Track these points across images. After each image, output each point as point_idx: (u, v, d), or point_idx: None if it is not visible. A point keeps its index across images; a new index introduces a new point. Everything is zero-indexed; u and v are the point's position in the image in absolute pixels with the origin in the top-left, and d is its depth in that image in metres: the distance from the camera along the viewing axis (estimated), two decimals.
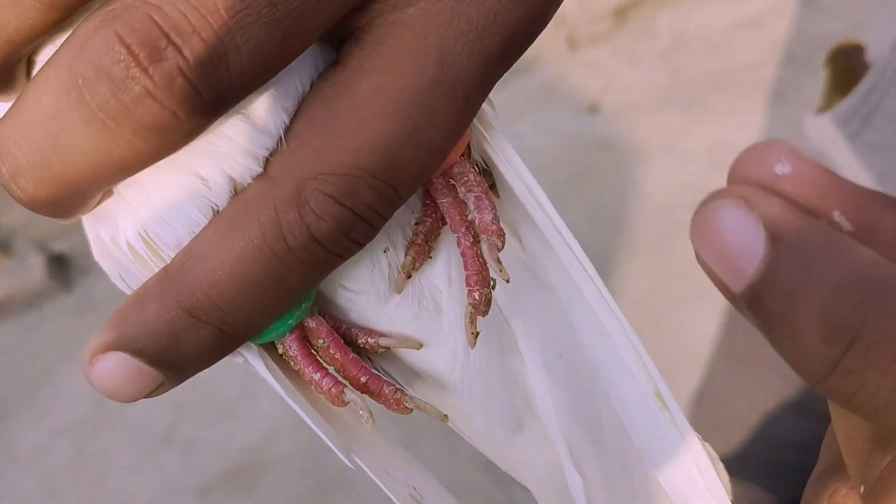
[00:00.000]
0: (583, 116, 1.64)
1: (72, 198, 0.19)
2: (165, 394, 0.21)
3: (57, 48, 0.18)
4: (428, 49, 0.19)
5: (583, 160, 1.56)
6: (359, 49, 0.20)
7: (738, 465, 0.72)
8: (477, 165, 0.24)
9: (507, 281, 0.23)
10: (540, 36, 0.22)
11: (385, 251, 0.24)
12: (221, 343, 0.20)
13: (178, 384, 0.21)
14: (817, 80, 0.53)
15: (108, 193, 0.21)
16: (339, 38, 0.20)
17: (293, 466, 1.30)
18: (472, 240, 0.23)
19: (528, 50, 0.22)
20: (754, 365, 0.67)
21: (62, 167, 0.18)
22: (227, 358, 0.23)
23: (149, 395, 0.21)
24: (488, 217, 0.23)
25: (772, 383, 0.66)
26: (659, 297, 1.36)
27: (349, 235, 0.20)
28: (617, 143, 1.58)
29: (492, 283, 0.24)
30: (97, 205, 0.21)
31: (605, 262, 1.41)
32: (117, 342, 0.20)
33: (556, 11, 0.22)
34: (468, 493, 1.20)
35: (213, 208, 0.20)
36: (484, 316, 0.23)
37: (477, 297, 0.23)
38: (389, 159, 0.19)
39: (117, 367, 0.20)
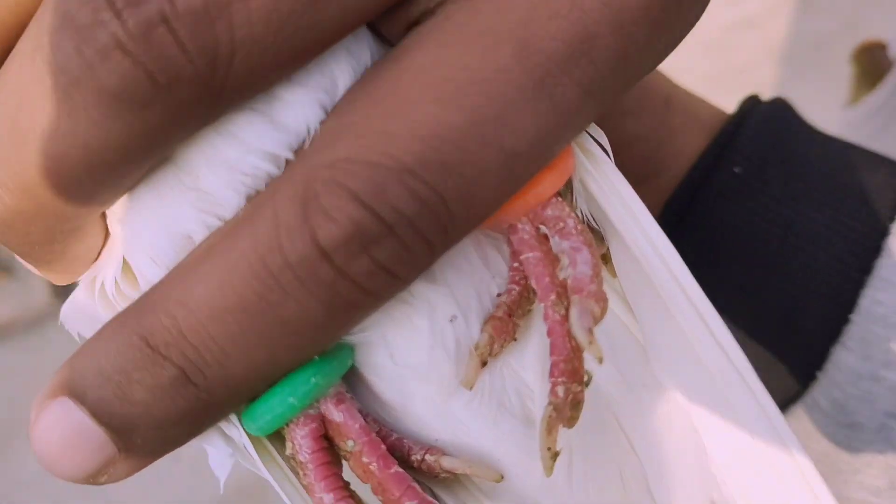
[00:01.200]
0: None
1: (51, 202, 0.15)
2: None
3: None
4: (508, 24, 0.14)
5: None
6: (417, 30, 0.15)
7: None
8: (583, 218, 0.18)
9: (600, 361, 0.15)
10: None
11: (452, 320, 0.17)
12: (185, 399, 0.15)
13: (132, 467, 0.16)
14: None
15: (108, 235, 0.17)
16: (404, 28, 0.15)
17: None
18: (564, 312, 0.16)
19: None
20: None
21: (21, 162, 0.14)
22: (220, 449, 0.18)
23: (100, 478, 0.16)
24: (585, 271, 0.16)
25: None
26: None
27: (370, 253, 0.14)
28: None
29: (587, 378, 0.16)
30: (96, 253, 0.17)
31: None
32: (65, 383, 0.15)
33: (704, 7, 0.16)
34: None
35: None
36: (569, 426, 0.16)
37: (560, 395, 0.16)
38: (434, 153, 0.13)
39: (57, 419, 0.15)
